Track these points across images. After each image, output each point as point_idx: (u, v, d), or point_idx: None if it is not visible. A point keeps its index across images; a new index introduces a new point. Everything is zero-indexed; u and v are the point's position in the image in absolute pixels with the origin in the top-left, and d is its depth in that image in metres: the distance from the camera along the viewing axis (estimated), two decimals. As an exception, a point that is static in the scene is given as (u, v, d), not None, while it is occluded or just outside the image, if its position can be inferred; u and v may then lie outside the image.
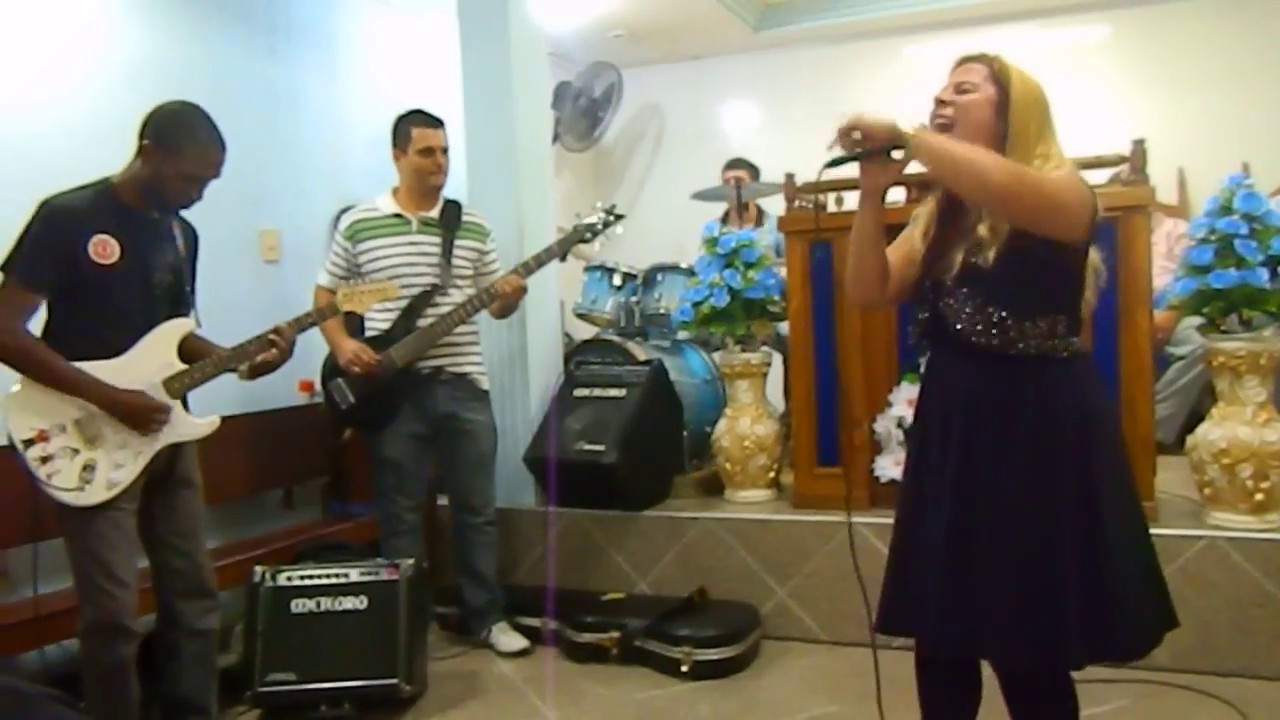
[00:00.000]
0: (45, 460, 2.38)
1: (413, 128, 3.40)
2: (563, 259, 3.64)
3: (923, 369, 2.17)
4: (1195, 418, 3.44)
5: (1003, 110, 1.86)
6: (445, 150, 3.43)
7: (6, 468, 2.67)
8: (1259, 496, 2.97)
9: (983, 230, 1.85)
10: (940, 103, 1.90)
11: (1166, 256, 4.51)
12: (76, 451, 2.42)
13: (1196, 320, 3.24)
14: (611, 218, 3.59)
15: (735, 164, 5.19)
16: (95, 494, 2.42)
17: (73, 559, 2.46)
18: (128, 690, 2.51)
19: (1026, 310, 1.84)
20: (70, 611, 2.60)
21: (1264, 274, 2.91)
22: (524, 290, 3.44)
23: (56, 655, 2.84)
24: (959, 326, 1.89)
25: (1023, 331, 1.85)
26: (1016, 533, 1.83)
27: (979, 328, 1.86)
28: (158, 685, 2.69)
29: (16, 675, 2.76)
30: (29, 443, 2.38)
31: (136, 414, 2.48)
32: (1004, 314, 1.84)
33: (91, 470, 2.42)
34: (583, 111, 6.34)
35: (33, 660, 2.79)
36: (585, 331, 4.77)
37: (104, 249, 2.45)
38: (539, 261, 3.48)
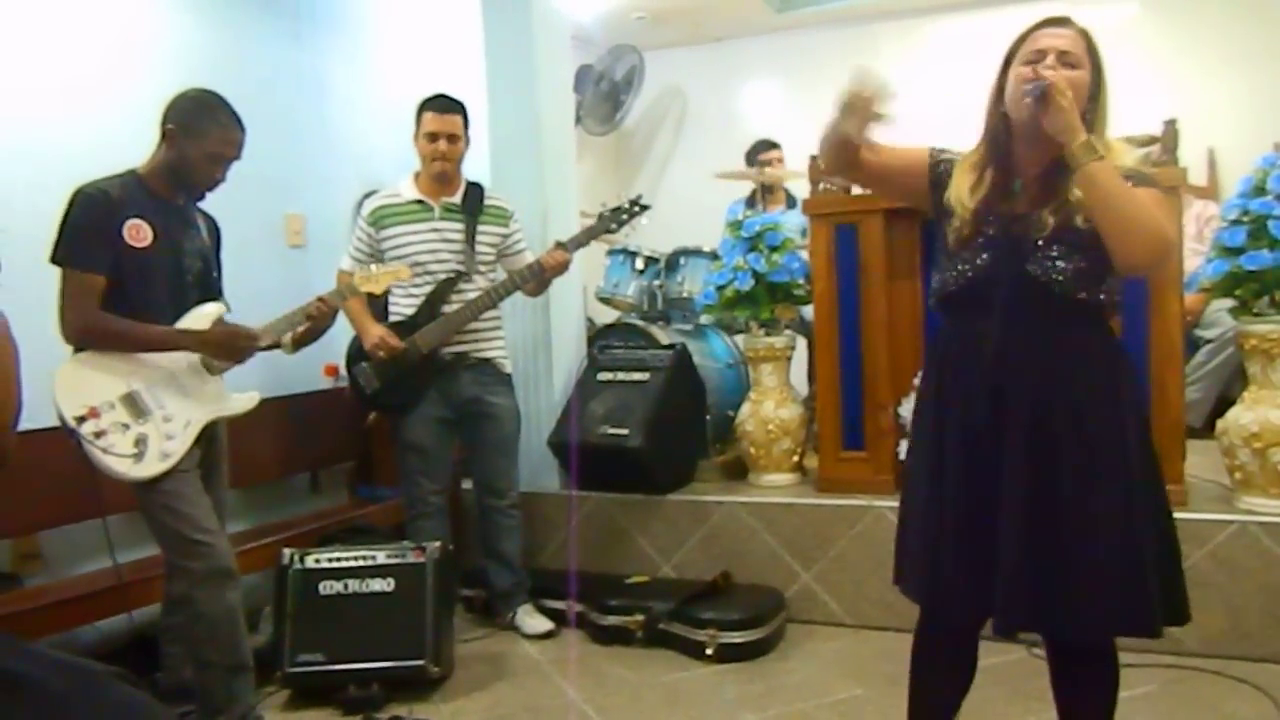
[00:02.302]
0: (100, 435, 2.43)
1: (423, 112, 3.40)
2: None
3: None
4: (1224, 402, 3.40)
5: (1095, 90, 1.76)
6: (452, 137, 3.36)
7: (34, 452, 2.71)
8: (1290, 481, 2.94)
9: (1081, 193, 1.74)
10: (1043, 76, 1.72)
11: (1196, 239, 4.46)
12: (127, 426, 2.47)
13: (1226, 303, 3.20)
14: (637, 208, 3.57)
15: (769, 145, 5.12)
16: (150, 466, 2.47)
17: (156, 526, 2.52)
18: (243, 635, 2.58)
19: (1110, 267, 1.76)
20: (152, 579, 2.69)
21: (1297, 256, 2.88)
22: (568, 265, 3.44)
23: (144, 618, 2.91)
24: (1058, 281, 1.75)
25: (1114, 286, 1.78)
26: (1099, 498, 1.75)
27: (1083, 280, 1.76)
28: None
29: (79, 652, 2.81)
30: (81, 419, 2.42)
31: (231, 341, 2.57)
32: (1105, 269, 1.76)
33: (144, 443, 2.47)
34: (604, 95, 6.32)
35: (121, 623, 2.89)
36: (607, 316, 4.77)
37: (138, 233, 2.50)
38: (577, 243, 3.48)
